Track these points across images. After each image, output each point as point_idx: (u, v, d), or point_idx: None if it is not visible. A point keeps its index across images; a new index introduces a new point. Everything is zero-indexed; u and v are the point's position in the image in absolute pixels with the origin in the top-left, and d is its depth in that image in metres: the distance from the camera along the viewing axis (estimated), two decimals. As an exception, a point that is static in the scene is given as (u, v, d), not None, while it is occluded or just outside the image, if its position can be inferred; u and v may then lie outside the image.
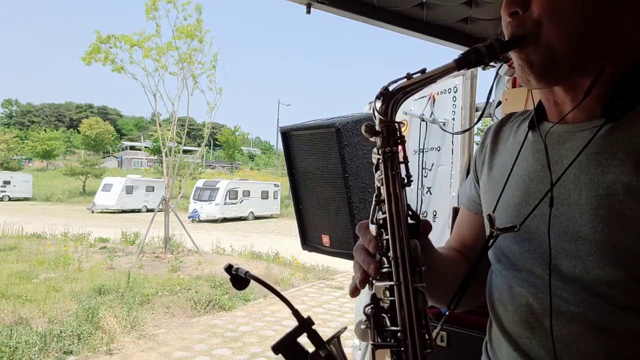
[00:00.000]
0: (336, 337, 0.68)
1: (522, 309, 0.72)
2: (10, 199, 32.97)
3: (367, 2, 2.11)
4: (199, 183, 25.63)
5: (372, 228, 0.66)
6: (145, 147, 51.58)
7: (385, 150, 0.64)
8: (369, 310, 0.63)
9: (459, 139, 2.53)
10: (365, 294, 0.68)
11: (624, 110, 0.65)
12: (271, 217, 27.17)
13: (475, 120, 2.50)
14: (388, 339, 0.62)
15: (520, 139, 0.80)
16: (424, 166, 2.74)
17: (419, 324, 0.61)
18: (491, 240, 0.73)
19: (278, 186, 28.20)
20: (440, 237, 2.43)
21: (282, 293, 0.74)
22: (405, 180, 0.65)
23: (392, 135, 0.65)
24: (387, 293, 0.63)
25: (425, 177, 2.74)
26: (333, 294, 9.07)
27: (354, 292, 0.70)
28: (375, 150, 0.66)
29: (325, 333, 0.62)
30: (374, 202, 0.66)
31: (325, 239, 2.02)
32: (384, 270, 0.64)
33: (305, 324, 0.68)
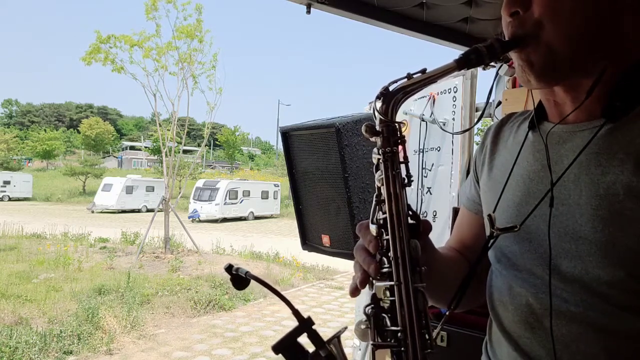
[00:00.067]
0: (336, 337, 0.68)
1: (522, 309, 0.72)
2: (10, 199, 32.97)
3: (367, 2, 2.11)
4: (199, 183, 25.64)
5: (373, 228, 0.66)
6: (145, 147, 51.60)
7: (385, 150, 0.64)
8: (369, 310, 0.63)
9: (459, 139, 2.53)
10: (365, 294, 0.68)
11: (624, 111, 0.65)
12: (271, 217, 27.17)
13: (475, 120, 2.50)
14: (388, 339, 0.62)
15: (521, 139, 0.80)
16: (424, 166, 2.74)
17: (419, 324, 0.61)
18: (491, 241, 0.73)
19: (278, 186, 28.20)
20: (440, 237, 2.43)
21: (282, 293, 0.74)
22: (406, 180, 0.65)
23: (392, 135, 0.65)
24: (388, 293, 0.63)
25: (425, 177, 2.74)
26: (333, 294, 9.07)
27: (354, 292, 0.70)
28: (375, 150, 0.66)
29: (325, 333, 0.62)
30: (374, 202, 0.66)
31: (325, 239, 2.02)
32: (384, 270, 0.64)
33: (305, 324, 0.68)
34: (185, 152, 30.45)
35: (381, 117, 0.65)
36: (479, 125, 2.53)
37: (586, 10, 0.66)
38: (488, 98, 2.16)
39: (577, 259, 0.65)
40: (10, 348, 5.24)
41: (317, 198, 2.03)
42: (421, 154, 2.74)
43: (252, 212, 25.69)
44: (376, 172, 0.66)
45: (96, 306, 6.48)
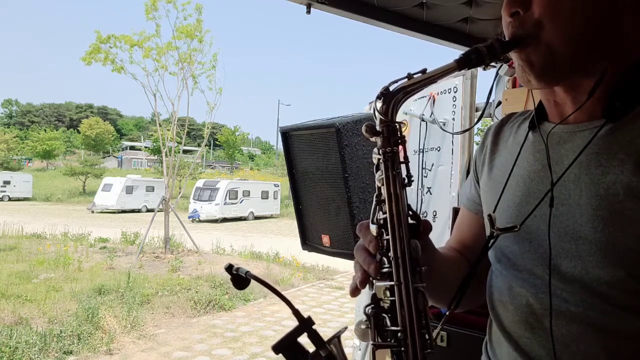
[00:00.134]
0: (336, 337, 0.68)
1: (522, 309, 0.72)
2: (10, 199, 32.97)
3: (367, 2, 2.11)
4: (199, 183, 25.64)
5: (373, 228, 0.66)
6: (145, 147, 51.59)
7: (385, 150, 0.64)
8: (369, 310, 0.63)
9: (459, 139, 2.53)
10: (365, 294, 0.68)
11: (624, 111, 0.65)
12: (271, 217, 27.17)
13: (475, 120, 2.51)
14: (388, 339, 0.62)
15: (521, 139, 0.80)
16: (424, 166, 2.74)
17: (419, 324, 0.61)
18: (491, 241, 0.73)
19: (278, 186, 28.20)
20: (440, 237, 2.43)
21: (282, 293, 0.74)
22: (406, 180, 0.65)
23: (392, 135, 0.65)
24: (388, 293, 0.63)
25: (425, 177, 2.74)
26: (333, 294, 9.07)
27: (355, 291, 0.70)
28: (375, 150, 0.66)
29: (325, 333, 0.62)
30: (374, 202, 0.66)
31: (325, 239, 2.02)
32: (385, 270, 0.64)
33: (305, 324, 0.68)
34: (185, 152, 30.45)
35: (381, 117, 0.65)
36: (479, 125, 2.53)
37: (586, 10, 0.66)
38: (488, 98, 2.15)
39: (577, 259, 0.65)
40: (10, 348, 5.24)
41: (317, 198, 2.03)
42: (421, 154, 2.74)
43: (252, 212, 25.69)
44: (376, 172, 0.66)
45: (96, 306, 6.48)
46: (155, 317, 7.10)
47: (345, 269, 10.62)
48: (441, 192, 2.64)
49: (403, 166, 0.65)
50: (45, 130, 52.37)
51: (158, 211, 12.86)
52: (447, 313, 0.74)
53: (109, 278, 8.86)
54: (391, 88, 0.65)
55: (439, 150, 2.67)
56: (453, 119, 2.59)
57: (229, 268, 0.75)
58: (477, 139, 2.92)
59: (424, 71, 0.65)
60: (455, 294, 0.74)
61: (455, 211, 2.23)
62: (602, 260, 0.63)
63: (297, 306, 0.70)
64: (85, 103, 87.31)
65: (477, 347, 0.88)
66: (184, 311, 7.39)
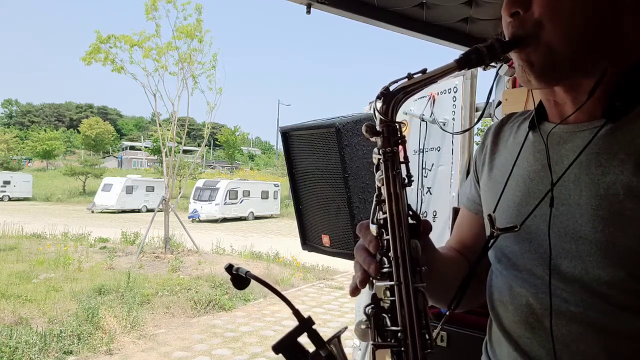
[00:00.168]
0: (336, 337, 0.68)
1: (522, 309, 0.72)
2: (10, 199, 32.97)
3: (367, 2, 2.11)
4: (199, 183, 25.63)
5: (373, 228, 0.66)
6: (145, 147, 51.59)
7: (385, 150, 0.64)
8: (369, 310, 0.63)
9: (459, 139, 2.53)
10: (365, 294, 0.68)
11: (624, 111, 0.65)
12: (271, 217, 27.17)
13: (475, 120, 2.51)
14: (388, 339, 0.62)
15: (521, 139, 0.80)
16: (424, 166, 2.74)
17: (419, 324, 0.61)
18: (491, 241, 0.73)
19: (278, 186, 28.20)
20: (440, 237, 2.43)
21: (282, 293, 0.74)
22: (406, 180, 0.65)
23: (392, 135, 0.65)
24: (388, 293, 0.63)
25: (425, 177, 2.74)
26: (333, 294, 9.07)
27: (355, 291, 0.70)
28: (375, 150, 0.66)
29: (325, 333, 0.62)
30: (374, 202, 0.66)
31: (325, 239, 2.02)
32: (385, 270, 0.64)
33: (305, 324, 0.68)
34: (185, 152, 30.45)
35: (381, 117, 0.65)
36: (479, 125, 2.53)
37: (586, 10, 0.66)
38: (488, 98, 2.15)
39: (577, 259, 0.65)
40: (10, 348, 5.24)
41: (317, 198, 2.03)
42: (421, 154, 2.74)
43: (252, 212, 25.69)
44: (376, 172, 0.66)
45: (96, 306, 6.48)
46: (155, 317, 7.10)
47: (345, 269, 10.62)
48: (441, 192, 2.64)
49: (403, 166, 0.65)
50: (45, 130, 52.37)
51: (158, 211, 12.86)
52: (447, 313, 0.74)
53: (109, 278, 8.86)
54: (391, 88, 0.65)
55: (439, 150, 2.67)
56: (453, 119, 2.59)
57: (229, 268, 0.75)
58: (477, 139, 2.92)
59: (424, 71, 0.65)
60: (455, 294, 0.74)
61: (455, 211, 2.23)
62: (602, 260, 0.63)
63: (297, 306, 0.70)
64: (85, 103, 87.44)
65: (477, 347, 0.88)
66: (184, 311, 7.39)
